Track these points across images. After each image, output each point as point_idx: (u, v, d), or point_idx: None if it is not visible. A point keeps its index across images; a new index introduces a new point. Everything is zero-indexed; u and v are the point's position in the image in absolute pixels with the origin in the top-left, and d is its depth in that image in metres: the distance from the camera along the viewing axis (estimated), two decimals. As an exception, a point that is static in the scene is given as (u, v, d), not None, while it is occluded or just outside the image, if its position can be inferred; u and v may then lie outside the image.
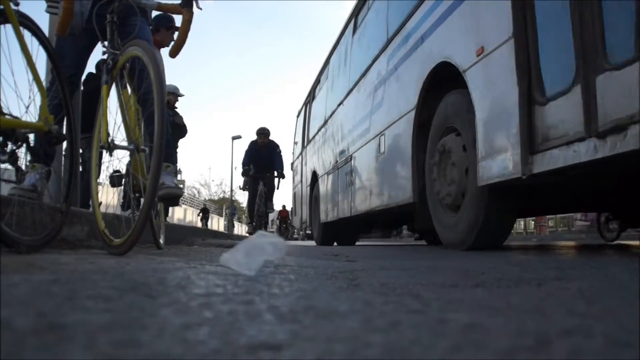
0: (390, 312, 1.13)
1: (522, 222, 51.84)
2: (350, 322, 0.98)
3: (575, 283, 1.86)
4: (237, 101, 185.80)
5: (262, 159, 13.36)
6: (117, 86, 3.21)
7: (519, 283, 1.87)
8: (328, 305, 1.18)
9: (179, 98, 9.33)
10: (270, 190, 13.69)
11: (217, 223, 42.04)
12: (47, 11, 4.24)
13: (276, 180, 13.83)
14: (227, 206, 38.53)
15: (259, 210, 13.68)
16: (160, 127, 2.71)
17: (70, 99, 3.37)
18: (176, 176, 3.80)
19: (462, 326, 0.95)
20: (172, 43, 3.84)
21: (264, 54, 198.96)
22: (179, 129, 9.08)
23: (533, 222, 48.98)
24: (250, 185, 13.79)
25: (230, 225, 36.40)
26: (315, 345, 0.78)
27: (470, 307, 1.25)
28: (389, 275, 2.28)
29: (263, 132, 13.45)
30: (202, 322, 0.93)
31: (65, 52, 3.79)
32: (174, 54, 3.77)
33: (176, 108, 9.26)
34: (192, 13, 3.69)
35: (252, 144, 13.60)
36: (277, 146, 13.67)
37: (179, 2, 3.67)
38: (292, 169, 17.67)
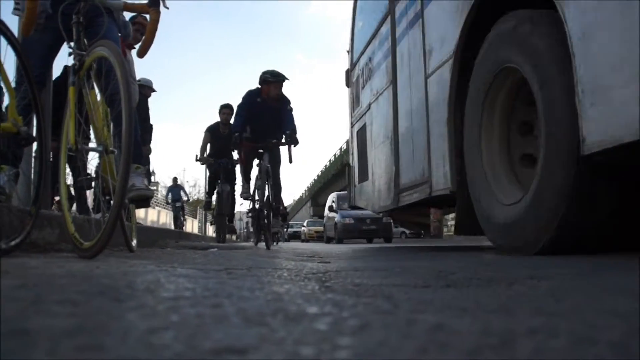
0: (360, 314, 1.13)
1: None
2: (320, 324, 0.98)
3: (547, 282, 1.87)
4: (212, 104, 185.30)
5: (266, 119, 8.11)
6: (84, 87, 3.17)
7: (490, 282, 1.89)
8: (298, 308, 1.17)
9: (152, 93, 9.40)
10: (277, 166, 8.41)
11: (190, 225, 41.65)
12: (13, 13, 4.17)
13: (281, 149, 8.61)
14: (169, 187, 23.30)
15: (259, 200, 8.35)
16: (128, 127, 2.68)
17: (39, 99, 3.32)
18: (148, 177, 3.76)
19: (429, 327, 0.96)
20: (140, 43, 3.82)
21: (241, 52, 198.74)
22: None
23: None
24: (245, 158, 8.63)
25: (177, 222, 23.05)
26: (282, 348, 0.78)
27: (439, 308, 1.26)
28: (362, 276, 2.28)
29: (277, 79, 8.13)
30: (168, 325, 0.92)
31: (30, 51, 3.72)
32: (142, 54, 3.75)
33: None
34: (159, 12, 3.67)
35: (252, 96, 8.25)
36: (289, 102, 8.31)
37: (146, 1, 3.64)
38: (349, 74, 9.95)
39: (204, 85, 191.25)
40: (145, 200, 3.70)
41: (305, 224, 41.24)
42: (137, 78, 9.07)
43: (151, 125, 9.27)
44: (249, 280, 1.87)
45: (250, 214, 8.58)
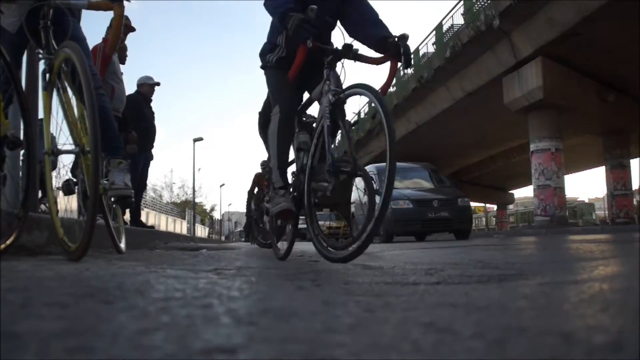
0: (351, 312, 1.13)
1: (484, 219, 52.71)
2: (309, 322, 0.98)
3: (536, 278, 1.88)
4: (199, 103, 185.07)
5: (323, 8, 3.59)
6: (57, 90, 3.13)
7: (481, 279, 1.89)
8: (287, 307, 1.17)
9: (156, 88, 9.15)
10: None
11: (179, 226, 41.52)
12: None
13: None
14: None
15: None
16: (94, 128, 2.66)
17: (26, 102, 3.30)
18: (129, 173, 3.64)
19: (421, 325, 0.96)
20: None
21: (227, 54, 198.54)
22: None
23: (494, 219, 49.90)
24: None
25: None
26: (271, 347, 0.78)
27: (430, 305, 1.26)
28: (352, 274, 2.29)
29: None
30: (158, 326, 0.92)
31: None
32: (110, 50, 3.74)
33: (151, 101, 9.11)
34: (123, 8, 3.66)
35: None
36: None
37: None
38: None
39: (183, 85, 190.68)
40: (123, 199, 3.64)
41: None
42: (139, 77, 8.98)
43: (154, 126, 9.06)
44: (239, 280, 1.87)
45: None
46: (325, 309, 1.16)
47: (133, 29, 6.87)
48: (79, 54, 2.86)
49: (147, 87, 8.93)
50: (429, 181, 16.17)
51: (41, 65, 3.21)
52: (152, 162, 9.08)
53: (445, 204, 14.25)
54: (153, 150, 9.09)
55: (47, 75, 3.15)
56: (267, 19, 3.93)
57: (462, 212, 14.41)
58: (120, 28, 3.67)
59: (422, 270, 2.40)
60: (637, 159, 31.79)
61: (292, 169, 4.12)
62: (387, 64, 3.63)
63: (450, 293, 1.52)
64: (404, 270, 2.42)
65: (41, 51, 3.23)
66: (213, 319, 1.00)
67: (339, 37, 3.75)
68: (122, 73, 7.47)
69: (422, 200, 14.30)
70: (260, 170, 9.33)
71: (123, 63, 7.67)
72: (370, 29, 3.86)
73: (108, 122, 3.61)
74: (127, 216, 7.47)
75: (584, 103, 21.97)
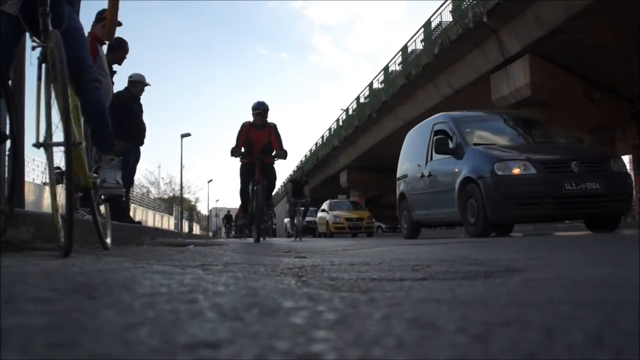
0: (337, 308, 1.13)
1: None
2: (295, 318, 0.98)
3: (522, 274, 1.90)
4: (185, 99, 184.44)
5: None
6: (48, 79, 3.09)
7: (467, 275, 1.90)
8: (273, 302, 1.18)
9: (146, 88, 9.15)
10: None
11: (167, 222, 41.44)
12: None
13: None
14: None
15: None
16: (66, 124, 2.64)
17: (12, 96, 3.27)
18: (120, 170, 3.62)
19: (406, 320, 0.96)
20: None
21: (212, 54, 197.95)
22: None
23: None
24: None
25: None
26: (256, 342, 0.78)
27: (415, 301, 1.27)
28: (338, 270, 2.29)
29: None
30: (143, 321, 0.92)
31: None
32: (107, 37, 3.72)
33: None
34: None
35: None
36: None
37: None
38: None
39: (181, 84, 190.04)
40: (114, 199, 3.62)
41: (326, 207, 25.13)
42: (129, 74, 8.97)
43: (143, 123, 9.02)
44: (225, 275, 1.87)
45: None
46: (311, 305, 1.16)
47: (120, 24, 6.86)
48: (58, 44, 2.83)
49: (140, 85, 8.92)
50: (530, 136, 9.52)
51: (36, 54, 3.17)
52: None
53: (593, 169, 7.99)
54: (141, 148, 9.07)
55: (43, 64, 3.11)
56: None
57: (619, 182, 8.15)
58: (117, 14, 3.65)
59: (408, 266, 2.41)
60: (624, 157, 31.96)
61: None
62: None
63: (436, 289, 1.53)
64: (391, 267, 2.43)
65: (37, 40, 3.19)
66: (198, 314, 1.00)
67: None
68: (115, 72, 7.46)
69: (553, 162, 7.93)
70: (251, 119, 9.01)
71: (120, 64, 7.67)
72: None
73: (103, 117, 3.57)
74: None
75: (571, 101, 22.14)
